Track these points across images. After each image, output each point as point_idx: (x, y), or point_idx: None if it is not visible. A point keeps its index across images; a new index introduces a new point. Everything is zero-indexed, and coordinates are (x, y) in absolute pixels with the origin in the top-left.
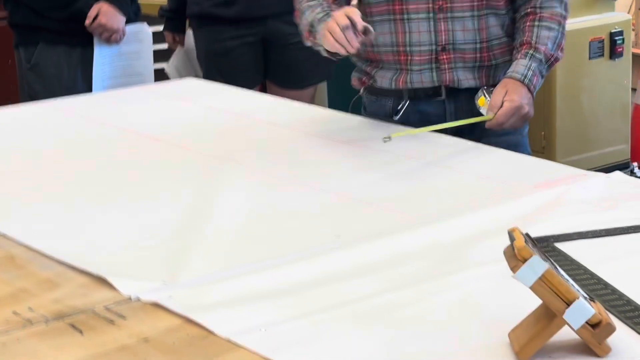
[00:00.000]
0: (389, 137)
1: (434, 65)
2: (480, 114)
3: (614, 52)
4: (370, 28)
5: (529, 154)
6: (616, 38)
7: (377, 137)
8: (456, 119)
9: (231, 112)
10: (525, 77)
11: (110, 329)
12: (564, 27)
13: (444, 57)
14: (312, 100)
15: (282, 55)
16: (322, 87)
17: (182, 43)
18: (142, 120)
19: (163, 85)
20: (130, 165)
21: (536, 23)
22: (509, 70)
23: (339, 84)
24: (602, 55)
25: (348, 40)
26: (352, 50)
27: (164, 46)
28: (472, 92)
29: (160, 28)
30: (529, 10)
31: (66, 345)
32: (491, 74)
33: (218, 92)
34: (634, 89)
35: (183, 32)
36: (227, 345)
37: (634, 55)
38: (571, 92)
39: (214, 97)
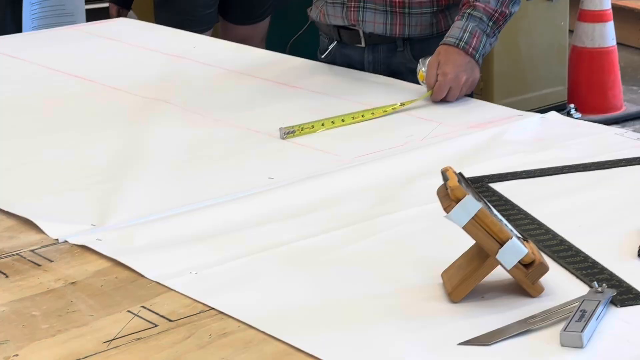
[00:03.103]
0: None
1: (345, 1)
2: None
3: None
4: None
5: None
6: None
7: (314, 79)
8: (374, 70)
9: (164, 53)
10: (460, 40)
11: (36, 272)
12: None
13: None
14: (267, 31)
15: None
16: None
17: None
18: (73, 61)
19: (94, 25)
20: (60, 107)
21: None
22: (445, 35)
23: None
24: None
25: None
26: None
27: None
28: (391, 45)
29: None
30: None
31: None
32: (405, 22)
33: (151, 32)
34: (571, 31)
35: (128, 8)
36: (156, 288)
37: None
38: (509, 33)
39: (147, 37)
